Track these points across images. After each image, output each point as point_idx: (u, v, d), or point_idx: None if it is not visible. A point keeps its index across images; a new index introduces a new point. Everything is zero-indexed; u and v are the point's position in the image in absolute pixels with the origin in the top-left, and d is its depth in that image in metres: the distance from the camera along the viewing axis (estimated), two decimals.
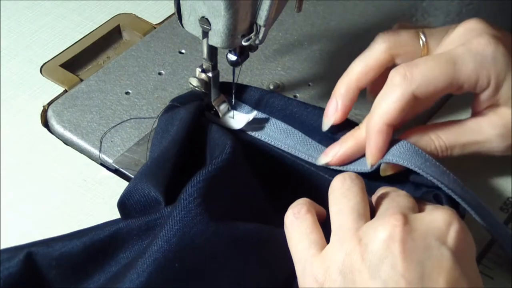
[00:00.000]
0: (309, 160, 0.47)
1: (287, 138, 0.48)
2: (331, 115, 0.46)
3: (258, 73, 0.56)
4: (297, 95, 0.55)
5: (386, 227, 0.31)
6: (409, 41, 0.44)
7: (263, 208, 0.43)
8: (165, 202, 0.40)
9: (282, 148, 0.48)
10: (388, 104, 0.41)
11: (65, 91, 0.55)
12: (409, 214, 0.32)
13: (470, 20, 0.44)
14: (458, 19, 0.60)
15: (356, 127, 0.45)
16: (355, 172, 0.43)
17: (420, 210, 0.35)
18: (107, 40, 0.59)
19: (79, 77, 0.56)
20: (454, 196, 0.38)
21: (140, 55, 0.57)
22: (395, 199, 0.35)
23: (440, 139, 0.43)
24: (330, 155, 0.45)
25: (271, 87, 0.55)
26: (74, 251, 0.38)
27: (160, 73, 0.56)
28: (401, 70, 0.42)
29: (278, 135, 0.49)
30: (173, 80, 0.56)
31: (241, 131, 0.49)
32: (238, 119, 0.50)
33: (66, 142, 0.51)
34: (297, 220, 0.35)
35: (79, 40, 0.58)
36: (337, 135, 0.47)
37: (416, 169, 0.40)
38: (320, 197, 0.44)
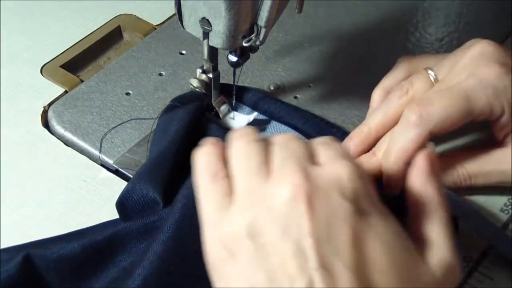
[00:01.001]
0: None
1: None
2: None
3: (258, 74, 0.56)
4: (298, 96, 0.55)
5: (288, 187, 0.30)
6: (423, 86, 0.45)
7: None
8: (163, 203, 0.40)
9: None
10: (406, 143, 0.41)
11: (66, 91, 0.55)
12: (309, 167, 0.31)
13: (478, 43, 0.44)
14: (458, 20, 0.61)
15: (371, 153, 0.45)
16: None
17: (316, 156, 0.33)
18: (107, 41, 0.59)
19: (80, 78, 0.56)
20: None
21: (141, 56, 0.57)
22: (290, 147, 0.33)
23: (463, 168, 0.43)
24: None
25: (272, 88, 0.56)
26: (72, 253, 0.38)
27: (160, 74, 0.56)
28: (416, 109, 0.42)
29: None
30: (174, 81, 0.56)
31: None
32: (239, 120, 0.50)
33: (67, 142, 0.51)
34: (211, 185, 0.33)
35: (79, 41, 0.58)
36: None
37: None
38: None
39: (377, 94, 0.49)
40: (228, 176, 0.32)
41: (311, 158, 0.33)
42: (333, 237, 0.29)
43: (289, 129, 0.49)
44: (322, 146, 0.34)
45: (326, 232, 0.29)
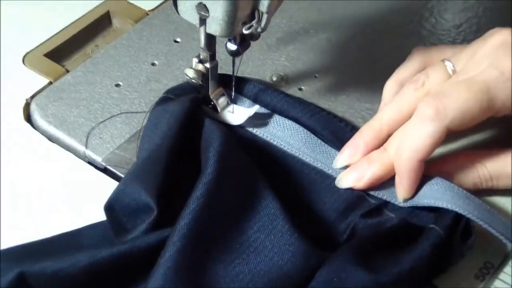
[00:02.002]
0: (314, 164, 0.46)
1: (291, 137, 0.48)
2: (348, 157, 0.45)
3: (260, 64, 0.56)
4: (302, 87, 0.54)
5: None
6: (439, 78, 0.45)
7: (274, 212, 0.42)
8: (157, 207, 0.40)
9: (285, 148, 0.47)
10: (421, 139, 0.41)
11: (50, 83, 0.54)
12: None
13: (499, 32, 0.44)
14: (478, 5, 0.59)
15: (382, 149, 0.45)
16: (384, 200, 0.43)
17: None
18: (95, 27, 0.59)
19: (65, 67, 0.55)
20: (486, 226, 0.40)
21: (132, 44, 0.57)
22: None
23: (485, 168, 0.43)
24: (353, 178, 0.44)
25: (274, 79, 0.55)
26: (70, 273, 0.37)
27: (153, 64, 0.55)
28: (432, 103, 0.41)
29: (281, 133, 0.48)
30: (168, 71, 0.55)
31: (240, 127, 0.49)
32: (238, 113, 0.49)
33: (51, 138, 0.50)
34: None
35: (65, 28, 0.58)
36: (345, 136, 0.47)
37: (456, 210, 0.40)
38: (321, 202, 0.44)
39: (389, 87, 0.48)
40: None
41: None
42: None
43: (293, 123, 0.49)
44: None
45: None
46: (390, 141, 0.45)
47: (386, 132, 0.45)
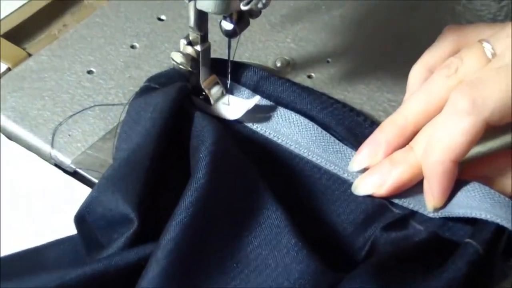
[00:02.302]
0: (327, 166, 0.46)
1: (298, 135, 0.48)
2: (367, 157, 0.45)
3: (261, 47, 0.56)
4: (312, 74, 0.54)
5: None
6: (476, 63, 0.44)
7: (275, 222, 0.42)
8: (137, 219, 0.40)
9: (291, 148, 0.47)
10: (454, 137, 0.41)
11: (9, 69, 0.54)
12: None
13: None
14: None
15: (408, 148, 0.45)
16: (410, 209, 0.43)
17: None
18: (63, 3, 0.59)
19: (27, 51, 0.56)
20: None
21: (107, 22, 0.57)
22: None
23: None
24: (374, 183, 0.44)
25: (279, 64, 0.55)
26: None
27: (133, 46, 0.56)
28: (467, 93, 0.41)
29: (287, 129, 0.48)
30: (150, 55, 0.55)
31: (237, 122, 0.49)
32: (235, 106, 0.49)
33: (10, 136, 0.50)
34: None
35: (26, 3, 0.58)
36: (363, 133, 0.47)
37: (496, 221, 0.40)
38: (335, 213, 0.44)
39: (416, 73, 0.48)
40: None
41: None
42: None
43: (301, 117, 0.49)
44: None
45: None
46: (417, 139, 0.45)
47: (412, 128, 0.45)
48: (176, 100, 0.46)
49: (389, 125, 0.46)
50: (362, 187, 0.45)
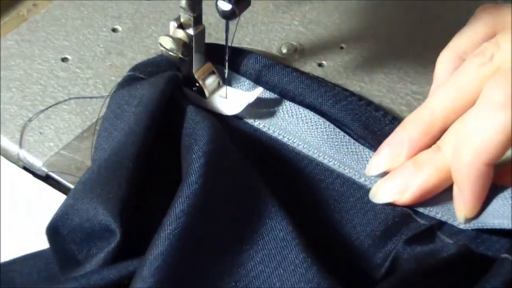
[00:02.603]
0: (340, 170, 0.47)
1: (307, 133, 0.48)
2: (387, 159, 0.46)
3: (264, 30, 0.56)
4: (324, 62, 0.54)
5: None
6: None
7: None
8: (120, 230, 0.40)
9: (299, 148, 0.48)
10: (488, 135, 0.41)
11: None
12: None
13: None
14: None
15: (435, 148, 0.45)
16: (437, 219, 0.44)
17: None
18: None
19: None
20: None
21: (84, 1, 0.57)
22: None
23: None
24: (395, 189, 0.45)
25: (284, 50, 0.55)
26: None
27: (114, 30, 0.56)
28: (504, 84, 0.41)
29: (294, 127, 0.48)
30: (134, 40, 0.55)
31: (237, 118, 0.49)
32: (234, 99, 0.49)
33: None
34: None
35: None
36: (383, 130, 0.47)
37: None
38: (350, 223, 0.44)
39: (445, 61, 0.48)
40: None
41: None
42: None
43: (310, 113, 0.49)
44: None
45: None
46: (445, 137, 0.45)
47: (440, 125, 0.45)
48: (165, 92, 0.46)
49: (413, 121, 0.46)
50: (382, 193, 0.45)
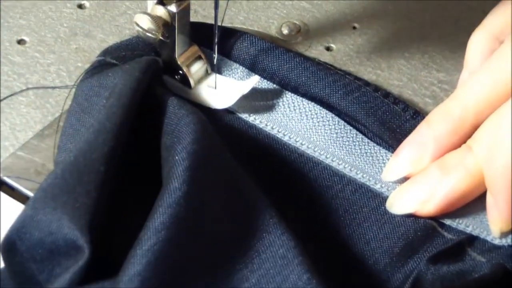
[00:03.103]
0: (351, 174, 0.47)
1: (312, 130, 0.49)
2: (408, 162, 0.46)
3: (261, 6, 0.56)
4: (332, 45, 0.55)
5: None
6: None
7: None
8: (89, 246, 0.40)
9: (302, 148, 0.48)
10: None
11: None
12: None
13: None
14: None
15: (465, 149, 0.45)
16: (467, 234, 0.44)
17: None
18: None
19: None
20: None
21: None
22: None
23: None
24: (417, 197, 0.45)
25: (285, 31, 0.55)
26: None
27: (81, 6, 0.56)
28: None
29: (297, 123, 0.49)
30: (105, 18, 0.56)
31: (228, 112, 0.49)
32: (225, 90, 0.49)
33: None
34: None
35: None
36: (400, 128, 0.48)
37: None
38: (363, 239, 0.45)
39: (478, 43, 0.49)
40: None
41: None
42: None
43: (316, 106, 0.49)
44: None
45: None
46: (478, 136, 0.45)
47: (471, 122, 0.45)
48: (141, 81, 0.46)
49: (440, 116, 0.46)
50: (401, 203, 0.45)
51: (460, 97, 0.46)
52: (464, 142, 0.46)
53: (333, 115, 0.49)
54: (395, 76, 0.53)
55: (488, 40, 0.48)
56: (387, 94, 0.51)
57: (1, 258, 0.42)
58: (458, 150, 0.45)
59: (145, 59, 0.48)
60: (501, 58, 0.45)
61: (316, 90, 0.49)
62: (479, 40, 0.49)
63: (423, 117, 0.48)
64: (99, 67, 0.49)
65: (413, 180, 0.46)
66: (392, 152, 0.47)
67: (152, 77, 0.48)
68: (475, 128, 0.45)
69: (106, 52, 0.51)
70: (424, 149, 0.46)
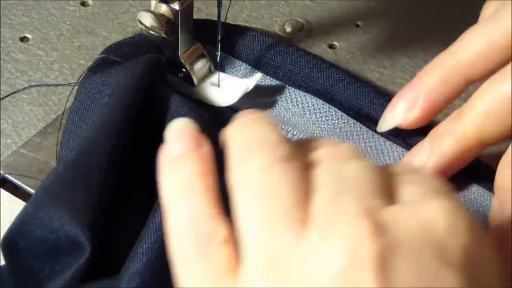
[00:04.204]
0: None
1: (315, 126, 0.49)
2: (400, 112, 0.46)
3: (264, 4, 0.56)
4: (336, 43, 0.55)
5: (342, 249, 0.30)
6: None
7: None
8: (90, 244, 0.40)
9: None
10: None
11: None
12: (380, 209, 0.32)
13: None
14: None
15: (456, 116, 0.45)
16: None
17: (393, 189, 0.34)
18: None
19: None
20: None
21: None
22: (346, 172, 0.33)
23: None
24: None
25: (289, 29, 0.55)
26: None
27: (84, 4, 0.56)
28: None
29: (299, 118, 0.49)
30: (108, 16, 0.56)
31: (231, 110, 0.49)
32: (228, 88, 0.49)
33: None
34: None
35: None
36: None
37: None
38: None
39: (493, 5, 0.46)
40: (231, 232, 0.33)
41: (384, 192, 0.33)
42: None
43: (318, 101, 0.49)
44: (405, 174, 0.34)
45: None
46: (472, 101, 0.44)
47: (463, 74, 0.45)
48: (144, 79, 0.46)
49: (431, 67, 0.46)
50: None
51: (453, 49, 0.45)
52: (457, 96, 0.45)
53: (336, 109, 0.49)
54: (398, 74, 0.53)
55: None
56: (387, 95, 0.50)
57: (1, 256, 0.43)
58: (450, 117, 0.45)
59: (148, 57, 0.48)
60: (501, 15, 0.44)
61: (320, 82, 0.50)
62: (494, 3, 0.47)
63: None
64: (102, 65, 0.49)
65: (408, 154, 0.46)
66: (398, 144, 0.48)
67: (155, 75, 0.48)
68: (467, 81, 0.45)
69: (109, 49, 0.50)
70: (415, 99, 0.46)
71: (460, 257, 0.31)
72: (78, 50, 0.54)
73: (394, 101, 0.46)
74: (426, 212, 0.32)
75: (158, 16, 0.48)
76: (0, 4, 0.56)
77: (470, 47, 0.44)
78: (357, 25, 0.56)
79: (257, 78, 0.49)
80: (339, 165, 0.33)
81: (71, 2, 0.56)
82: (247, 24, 0.55)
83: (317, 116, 0.49)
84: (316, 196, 0.32)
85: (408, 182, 0.34)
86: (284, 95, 0.50)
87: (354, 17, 0.56)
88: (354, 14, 0.56)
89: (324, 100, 0.49)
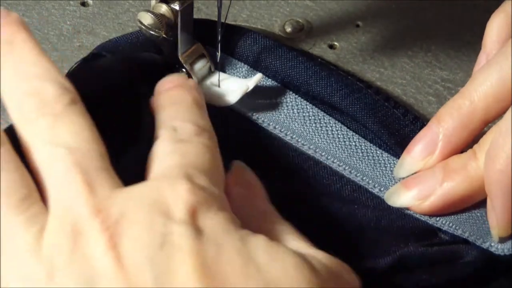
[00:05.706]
0: (350, 176, 0.47)
1: (314, 134, 0.48)
2: (420, 156, 0.46)
3: (264, 4, 0.56)
4: (336, 43, 0.55)
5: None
6: None
7: None
8: None
9: (304, 148, 0.48)
10: None
11: None
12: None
13: None
14: None
15: (470, 154, 0.44)
16: (463, 239, 0.44)
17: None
18: None
19: None
20: None
21: None
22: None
23: None
24: (413, 193, 0.45)
25: (289, 29, 0.55)
26: None
27: (84, 4, 0.56)
28: None
29: (299, 126, 0.49)
30: (108, 16, 0.55)
31: (231, 110, 0.49)
32: (228, 88, 0.49)
33: None
34: None
35: None
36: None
37: None
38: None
39: (496, 27, 0.47)
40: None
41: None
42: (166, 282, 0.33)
43: (319, 112, 0.49)
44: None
45: (154, 278, 0.33)
46: (481, 141, 0.44)
47: (480, 117, 0.45)
48: (138, 78, 0.46)
49: (448, 112, 0.45)
50: (399, 196, 0.45)
51: (468, 92, 0.45)
52: (474, 137, 0.45)
53: (336, 121, 0.49)
54: (399, 74, 0.53)
55: (507, 23, 0.47)
56: (387, 98, 0.50)
57: None
58: (463, 153, 0.45)
59: (147, 56, 0.48)
60: (509, 53, 0.44)
61: (318, 89, 0.49)
62: (497, 23, 0.47)
63: (422, 123, 0.48)
64: (93, 59, 0.49)
65: (415, 177, 0.46)
66: (393, 155, 0.47)
67: (154, 74, 0.47)
68: (485, 123, 0.45)
69: (103, 46, 0.50)
70: (434, 145, 0.45)
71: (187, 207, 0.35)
72: (78, 50, 0.54)
73: (411, 145, 0.46)
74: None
75: (158, 16, 0.48)
76: (0, 4, 0.56)
77: (484, 89, 0.44)
78: (357, 25, 0.56)
79: (257, 78, 0.49)
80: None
81: (71, 2, 0.56)
82: (247, 24, 0.55)
83: (317, 126, 0.49)
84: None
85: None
86: (284, 99, 0.50)
87: (354, 17, 0.56)
88: (354, 14, 0.56)
89: (322, 107, 0.49)
